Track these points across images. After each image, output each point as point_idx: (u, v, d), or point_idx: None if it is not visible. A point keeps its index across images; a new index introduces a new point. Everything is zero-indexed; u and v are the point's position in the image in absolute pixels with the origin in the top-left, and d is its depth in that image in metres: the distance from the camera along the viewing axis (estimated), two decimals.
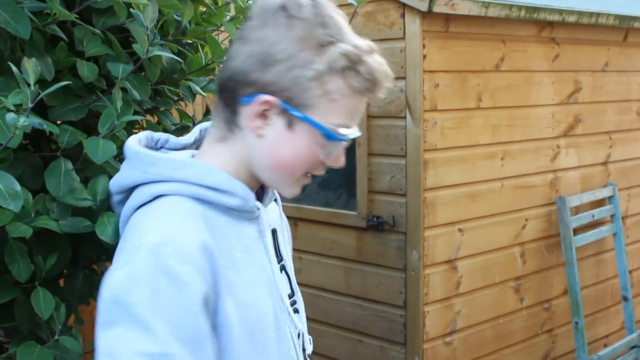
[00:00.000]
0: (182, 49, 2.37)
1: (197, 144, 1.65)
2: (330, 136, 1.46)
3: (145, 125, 2.32)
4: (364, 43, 1.47)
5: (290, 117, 1.46)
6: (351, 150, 3.71)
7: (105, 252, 2.39)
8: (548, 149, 4.24)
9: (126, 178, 1.53)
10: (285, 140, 1.48)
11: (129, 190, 1.53)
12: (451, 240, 3.73)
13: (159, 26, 2.16)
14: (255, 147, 1.50)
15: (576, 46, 4.37)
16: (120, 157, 2.08)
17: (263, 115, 1.46)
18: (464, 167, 3.76)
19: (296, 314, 1.66)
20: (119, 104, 1.87)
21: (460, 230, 3.75)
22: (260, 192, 1.64)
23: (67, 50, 1.97)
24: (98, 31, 1.99)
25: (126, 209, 1.52)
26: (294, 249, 1.99)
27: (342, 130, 1.47)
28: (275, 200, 1.71)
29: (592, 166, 4.58)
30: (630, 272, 4.84)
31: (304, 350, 1.68)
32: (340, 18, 1.48)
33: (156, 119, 2.42)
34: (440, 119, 3.61)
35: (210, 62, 2.30)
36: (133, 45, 1.95)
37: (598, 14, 4.32)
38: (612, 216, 4.68)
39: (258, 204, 1.55)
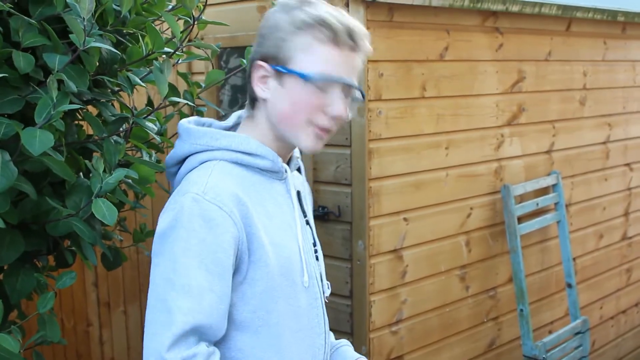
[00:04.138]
0: (122, 39, 2.34)
1: (234, 128, 2.03)
2: (305, 76, 1.82)
3: (82, 117, 2.29)
4: (325, 6, 1.87)
5: (279, 74, 1.86)
6: None
7: (47, 246, 2.36)
8: (492, 138, 4.27)
9: (179, 151, 1.94)
10: (281, 95, 1.87)
11: (181, 162, 1.94)
12: (396, 230, 3.74)
13: (97, 16, 2.14)
14: (267, 112, 1.91)
15: (520, 36, 4.41)
16: (59, 148, 2.05)
17: (263, 80, 1.89)
18: (408, 157, 3.77)
19: (317, 260, 2.05)
20: (54, 93, 1.85)
21: (405, 219, 3.77)
22: (289, 162, 2.03)
23: (3, 41, 1.93)
24: (34, 21, 1.96)
25: (179, 175, 1.93)
26: None
27: (323, 75, 1.82)
28: (299, 170, 2.10)
29: (536, 155, 4.62)
30: (574, 259, 4.90)
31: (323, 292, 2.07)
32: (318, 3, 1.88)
33: (96, 110, 2.40)
34: (384, 109, 3.62)
35: (150, 52, 2.28)
36: (70, 35, 1.92)
37: (541, 4, 4.36)
38: (555, 204, 4.74)
39: (285, 166, 1.95)
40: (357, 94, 1.92)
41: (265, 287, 1.84)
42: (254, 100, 1.93)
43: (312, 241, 2.09)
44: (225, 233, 1.75)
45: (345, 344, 2.25)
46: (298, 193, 2.04)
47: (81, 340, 4.95)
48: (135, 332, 4.62)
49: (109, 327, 4.73)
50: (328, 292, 2.11)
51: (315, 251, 2.08)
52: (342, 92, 1.86)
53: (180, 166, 1.95)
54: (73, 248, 2.44)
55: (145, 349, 1.75)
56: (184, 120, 1.99)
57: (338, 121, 1.89)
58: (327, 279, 2.14)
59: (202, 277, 1.72)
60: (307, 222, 2.08)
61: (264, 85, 1.89)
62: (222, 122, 2.06)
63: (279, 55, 1.85)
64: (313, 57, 1.83)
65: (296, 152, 2.06)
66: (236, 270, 1.81)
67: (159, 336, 1.71)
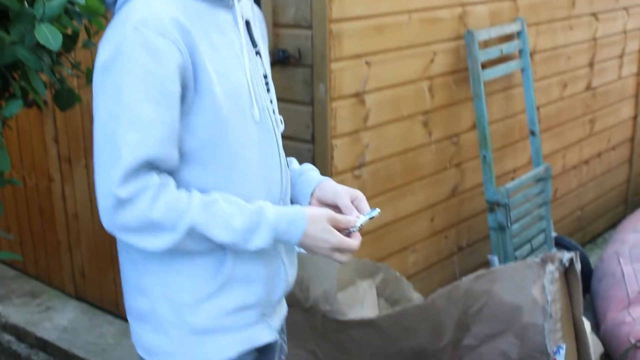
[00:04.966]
0: None
1: None
2: None
3: None
4: None
5: None
6: None
7: None
8: None
9: None
10: None
11: None
12: (358, 73, 3.68)
13: None
14: None
15: None
16: None
17: None
18: None
19: (269, 92, 2.04)
20: None
21: (367, 63, 3.71)
22: None
23: None
24: None
25: (120, 1, 1.81)
26: None
27: None
28: None
29: (501, 0, 4.54)
30: (537, 107, 4.89)
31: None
32: None
33: None
34: None
35: None
36: None
37: None
38: (520, 51, 4.69)
39: None
40: None
41: (212, 117, 1.82)
42: None
43: (264, 73, 2.05)
44: (171, 61, 1.71)
45: (309, 169, 2.21)
46: (247, 22, 1.99)
47: (43, 196, 4.94)
48: None
49: (70, 182, 4.69)
50: (282, 127, 2.09)
51: (267, 83, 2.04)
52: None
53: None
54: (23, 83, 2.38)
55: (97, 189, 1.73)
56: None
57: None
58: (288, 123, 2.11)
59: (149, 109, 1.70)
60: (258, 53, 2.03)
61: None
62: None
63: None
64: None
65: None
66: (182, 100, 1.77)
67: (108, 173, 1.69)
